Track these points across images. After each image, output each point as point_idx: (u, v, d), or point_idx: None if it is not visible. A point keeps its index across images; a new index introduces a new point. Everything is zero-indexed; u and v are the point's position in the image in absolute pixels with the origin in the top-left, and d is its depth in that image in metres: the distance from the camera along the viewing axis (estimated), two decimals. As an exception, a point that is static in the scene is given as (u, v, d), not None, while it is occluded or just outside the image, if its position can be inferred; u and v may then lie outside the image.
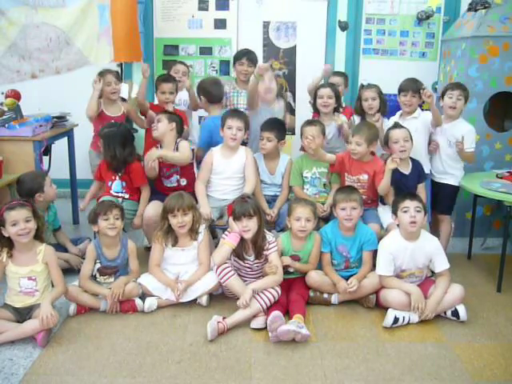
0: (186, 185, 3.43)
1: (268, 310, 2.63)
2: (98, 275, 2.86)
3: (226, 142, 3.30)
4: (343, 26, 4.65)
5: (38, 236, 2.60)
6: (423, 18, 4.64)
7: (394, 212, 2.83)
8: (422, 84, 3.50)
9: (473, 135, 3.35)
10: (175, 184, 3.42)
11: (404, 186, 3.20)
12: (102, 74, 3.61)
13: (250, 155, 3.35)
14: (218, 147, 3.37)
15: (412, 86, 3.41)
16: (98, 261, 2.86)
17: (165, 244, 2.90)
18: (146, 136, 3.77)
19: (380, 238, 2.96)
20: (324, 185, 3.35)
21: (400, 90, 3.48)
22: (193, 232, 2.90)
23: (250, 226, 2.75)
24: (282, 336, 2.46)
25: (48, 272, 2.60)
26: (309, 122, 3.36)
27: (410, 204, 2.74)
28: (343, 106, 3.79)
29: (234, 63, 3.94)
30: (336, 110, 3.65)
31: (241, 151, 3.35)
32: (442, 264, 2.80)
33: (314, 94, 3.62)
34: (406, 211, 2.74)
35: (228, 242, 2.78)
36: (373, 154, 3.27)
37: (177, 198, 2.85)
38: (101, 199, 3.20)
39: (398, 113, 3.55)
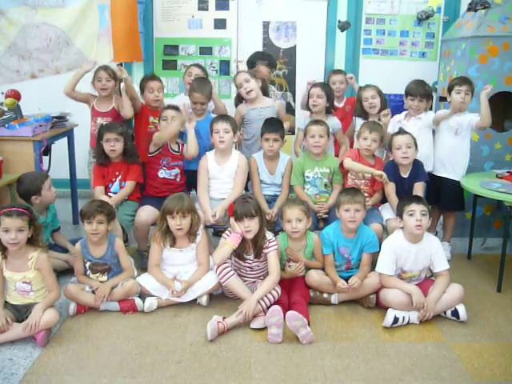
0: (179, 181, 3.46)
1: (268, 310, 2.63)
2: (90, 273, 2.86)
3: (216, 146, 3.31)
4: (342, 26, 4.64)
5: (32, 242, 2.55)
6: (423, 18, 4.64)
7: (400, 215, 2.82)
8: (430, 88, 3.51)
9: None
10: (173, 177, 3.42)
11: (401, 189, 3.21)
12: (97, 69, 3.60)
13: (242, 163, 3.34)
14: (211, 152, 3.38)
15: (420, 91, 3.43)
16: (85, 259, 2.86)
17: (163, 244, 2.90)
18: (136, 134, 3.77)
19: (381, 239, 2.97)
20: (325, 185, 3.34)
21: (408, 94, 3.48)
22: (191, 234, 2.89)
23: (251, 226, 2.75)
24: (290, 320, 2.45)
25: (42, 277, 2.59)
26: (315, 122, 3.36)
27: (416, 208, 2.74)
28: (335, 107, 3.81)
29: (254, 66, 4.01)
30: (328, 110, 3.64)
31: (234, 157, 3.35)
32: (441, 264, 2.80)
33: (308, 94, 3.65)
34: (411, 214, 2.74)
35: (229, 242, 2.79)
36: (373, 155, 3.33)
37: (177, 200, 2.84)
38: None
39: (404, 113, 3.56)
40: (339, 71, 4.20)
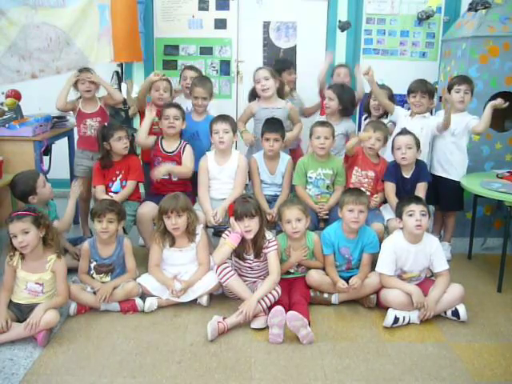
0: (176, 180, 3.41)
1: (269, 310, 2.63)
2: (94, 274, 2.87)
3: (216, 147, 3.31)
4: (342, 26, 4.64)
5: (49, 243, 2.58)
6: (423, 18, 4.65)
7: (399, 215, 2.82)
8: (431, 85, 3.51)
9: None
10: (166, 176, 3.39)
11: (402, 189, 3.22)
12: (81, 71, 3.58)
13: (242, 163, 3.33)
14: (211, 152, 3.38)
15: (421, 87, 3.43)
16: (92, 259, 2.86)
17: (162, 244, 2.90)
18: None
19: (383, 239, 2.97)
20: (327, 186, 3.34)
21: (409, 91, 3.49)
22: (189, 233, 2.89)
23: (251, 226, 2.75)
24: (290, 320, 2.46)
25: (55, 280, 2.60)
26: (321, 123, 3.35)
27: (415, 208, 2.74)
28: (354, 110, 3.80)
29: (280, 73, 3.95)
30: (342, 113, 3.63)
31: (234, 157, 3.34)
32: (441, 264, 2.80)
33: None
34: (411, 215, 2.73)
35: (228, 242, 2.79)
36: (377, 155, 3.34)
37: (171, 200, 2.84)
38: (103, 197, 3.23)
39: (408, 111, 3.56)
40: (343, 65, 4.23)
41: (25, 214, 2.51)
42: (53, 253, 2.59)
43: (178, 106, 3.42)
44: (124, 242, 2.90)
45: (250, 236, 2.77)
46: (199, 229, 2.94)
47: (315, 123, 3.39)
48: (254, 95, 3.75)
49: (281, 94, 3.74)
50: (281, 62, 4.24)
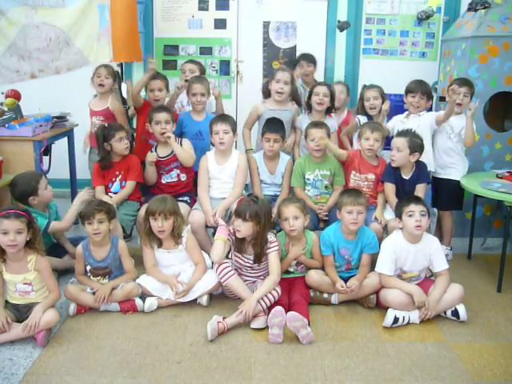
0: (185, 180, 3.45)
1: (268, 310, 2.63)
2: (91, 276, 2.86)
3: (216, 147, 3.31)
4: (341, 26, 4.64)
5: (30, 246, 2.53)
6: (423, 18, 4.64)
7: (399, 215, 2.82)
8: (430, 87, 3.51)
9: (474, 126, 3.40)
10: (175, 179, 3.43)
11: (402, 190, 3.21)
12: (98, 66, 3.63)
13: (242, 162, 3.33)
14: (211, 152, 3.37)
15: (421, 88, 3.41)
16: (86, 263, 2.84)
17: (150, 245, 2.89)
18: (136, 136, 3.77)
19: (382, 239, 2.97)
20: (326, 187, 3.34)
21: (408, 91, 3.46)
22: (175, 237, 2.87)
23: (241, 227, 2.71)
24: (290, 320, 2.45)
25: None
26: (315, 124, 3.33)
27: (415, 208, 2.73)
28: (336, 108, 3.78)
29: (295, 68, 4.03)
30: (329, 110, 3.64)
31: (234, 157, 3.34)
32: (441, 264, 2.80)
33: (310, 92, 3.63)
34: (411, 215, 2.73)
35: (218, 236, 2.78)
36: (376, 155, 3.32)
37: (159, 202, 2.82)
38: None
39: (405, 113, 3.54)
40: (339, 82, 4.18)
41: (23, 214, 2.49)
42: (32, 253, 2.54)
43: (167, 110, 3.41)
44: (119, 244, 2.87)
45: (237, 235, 2.76)
46: (185, 231, 2.91)
47: (309, 124, 3.37)
48: (267, 93, 3.72)
49: (293, 98, 3.72)
50: (289, 63, 4.27)
